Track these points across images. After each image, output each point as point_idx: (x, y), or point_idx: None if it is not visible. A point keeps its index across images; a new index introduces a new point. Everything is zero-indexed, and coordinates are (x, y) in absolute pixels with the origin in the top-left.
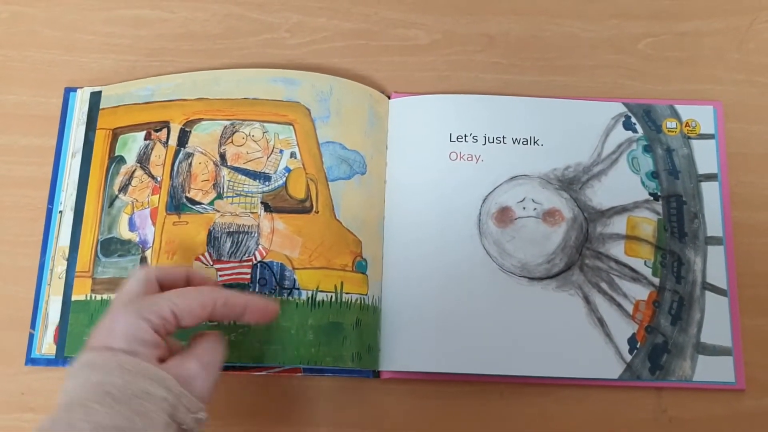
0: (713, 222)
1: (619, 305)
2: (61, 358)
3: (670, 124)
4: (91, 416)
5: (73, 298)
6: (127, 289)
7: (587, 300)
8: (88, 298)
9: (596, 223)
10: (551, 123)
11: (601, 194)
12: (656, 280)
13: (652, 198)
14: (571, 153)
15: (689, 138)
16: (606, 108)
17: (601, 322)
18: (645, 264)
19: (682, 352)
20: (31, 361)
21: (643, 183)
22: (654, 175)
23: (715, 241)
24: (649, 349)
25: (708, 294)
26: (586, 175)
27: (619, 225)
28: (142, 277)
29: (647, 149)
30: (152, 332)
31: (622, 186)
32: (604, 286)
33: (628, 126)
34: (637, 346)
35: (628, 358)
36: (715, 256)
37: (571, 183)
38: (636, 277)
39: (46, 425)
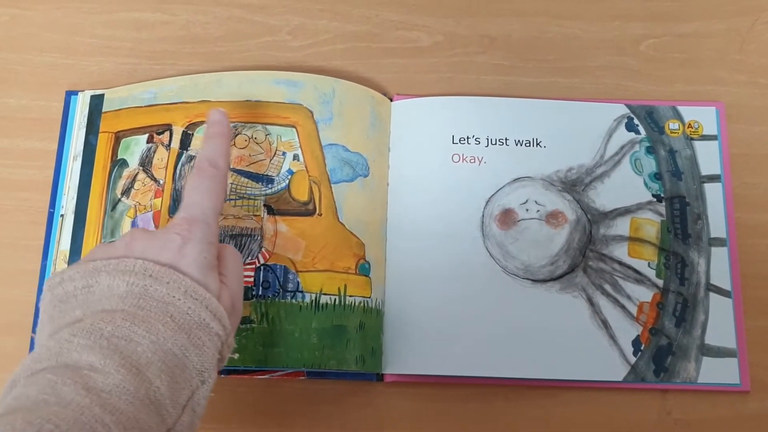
0: (717, 223)
1: (622, 307)
2: None
3: (673, 125)
4: (153, 335)
5: None
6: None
7: (591, 302)
8: None
9: (599, 224)
10: (554, 124)
11: (604, 196)
12: (660, 282)
13: (655, 199)
14: (573, 155)
15: (692, 139)
16: (608, 109)
17: (605, 324)
18: (649, 266)
19: (687, 353)
20: None
21: (646, 184)
22: (657, 176)
23: (719, 242)
24: (654, 351)
25: (712, 296)
26: (589, 176)
27: (622, 227)
28: None
29: (650, 150)
30: (216, 257)
31: (625, 187)
32: (607, 287)
33: (630, 127)
34: (642, 348)
35: (633, 360)
36: (719, 257)
37: (574, 185)
38: (640, 278)
39: (106, 328)
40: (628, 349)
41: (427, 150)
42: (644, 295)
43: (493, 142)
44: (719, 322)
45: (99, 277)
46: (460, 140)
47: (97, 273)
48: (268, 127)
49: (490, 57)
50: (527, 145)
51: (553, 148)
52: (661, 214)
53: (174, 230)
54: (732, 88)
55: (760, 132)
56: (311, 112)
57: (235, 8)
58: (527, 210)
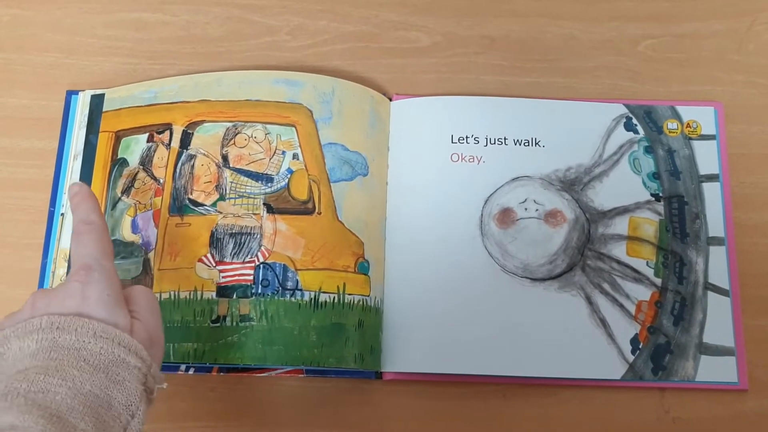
0: (715, 222)
1: (621, 306)
2: None
3: (671, 125)
4: (69, 381)
5: None
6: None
7: (589, 301)
8: None
9: (598, 224)
10: (552, 124)
11: (603, 195)
12: (658, 281)
13: (653, 199)
14: (572, 154)
15: (690, 139)
16: (607, 109)
17: (604, 323)
18: (647, 264)
19: (685, 352)
20: None
21: (644, 184)
22: (655, 175)
23: (717, 241)
24: (652, 350)
25: (710, 294)
26: (588, 176)
27: (620, 226)
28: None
29: (648, 150)
30: (120, 293)
31: (624, 187)
32: (606, 286)
33: (629, 127)
34: (640, 347)
35: (631, 358)
36: (718, 256)
37: (572, 184)
38: (638, 277)
39: (21, 386)
40: (627, 348)
41: (426, 149)
42: (643, 293)
43: (492, 142)
44: (717, 320)
45: (10, 343)
46: (459, 140)
47: (7, 340)
48: (267, 126)
49: (490, 57)
50: (526, 144)
51: (551, 147)
52: (659, 213)
53: (73, 279)
54: (730, 89)
55: (759, 132)
56: (311, 112)
57: (235, 8)
58: (526, 209)
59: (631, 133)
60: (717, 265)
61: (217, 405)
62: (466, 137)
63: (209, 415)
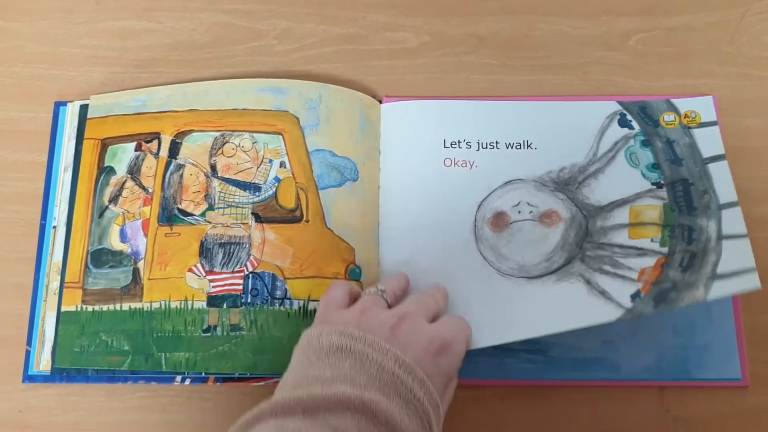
0: (725, 192)
1: (622, 277)
2: (57, 375)
3: (668, 117)
4: None
5: (63, 309)
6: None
7: (588, 282)
8: (79, 309)
9: (596, 218)
10: (544, 126)
11: (599, 191)
12: (665, 249)
13: (655, 187)
14: (565, 154)
15: (689, 128)
16: (600, 107)
17: (604, 294)
18: (651, 241)
19: (695, 283)
20: (28, 378)
21: (643, 175)
22: (655, 166)
23: (730, 205)
24: (655, 294)
25: (726, 242)
26: (582, 174)
27: (620, 216)
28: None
29: (645, 144)
30: None
31: (622, 181)
32: (607, 267)
33: (623, 123)
34: (641, 296)
35: (630, 305)
36: (731, 216)
37: (567, 184)
38: (642, 253)
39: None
40: (626, 302)
41: (419, 154)
42: (647, 263)
43: (484, 146)
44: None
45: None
46: (451, 144)
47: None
48: (254, 135)
49: (479, 56)
50: (518, 147)
51: (544, 149)
52: (662, 198)
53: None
54: (724, 81)
55: (753, 124)
56: (297, 119)
57: (221, 14)
58: (519, 212)
59: (626, 129)
60: (732, 222)
61: (214, 415)
62: (458, 142)
63: (206, 426)
